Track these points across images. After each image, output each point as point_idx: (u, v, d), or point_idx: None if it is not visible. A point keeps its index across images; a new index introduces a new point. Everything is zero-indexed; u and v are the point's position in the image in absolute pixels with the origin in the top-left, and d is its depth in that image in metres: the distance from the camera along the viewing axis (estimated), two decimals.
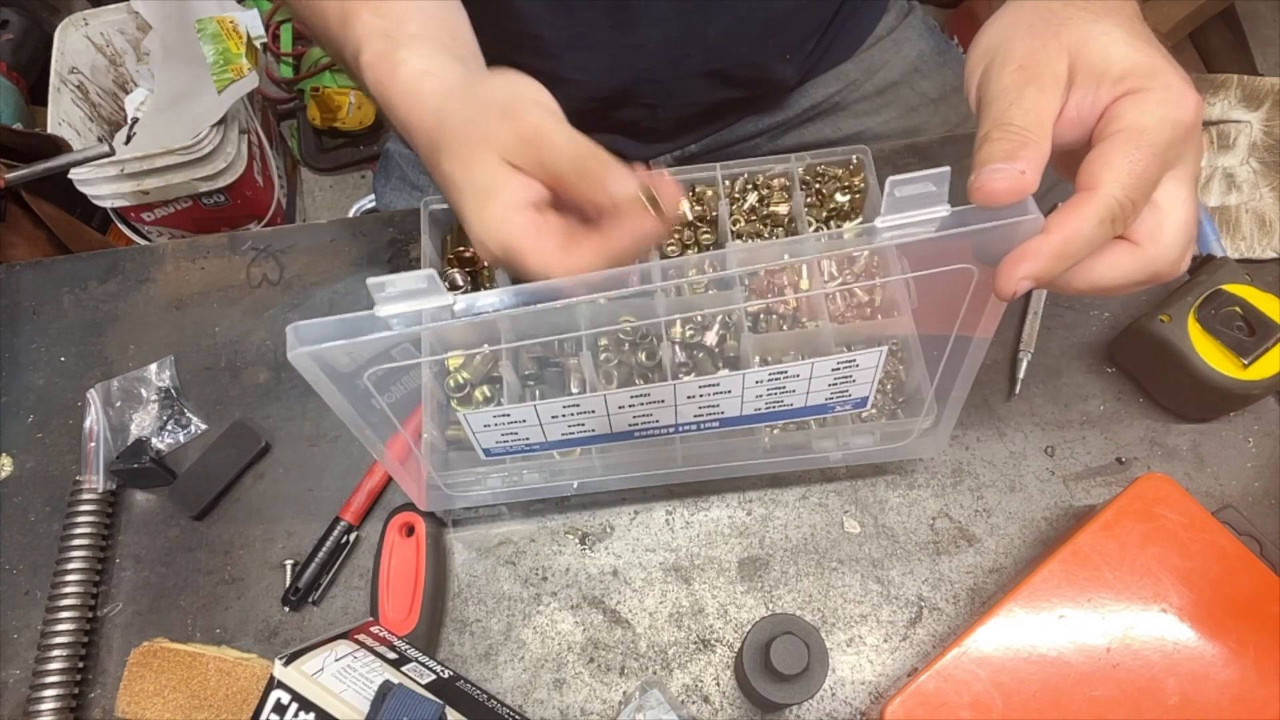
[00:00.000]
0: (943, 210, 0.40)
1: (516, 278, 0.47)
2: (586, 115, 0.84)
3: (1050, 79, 0.42)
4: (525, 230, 0.45)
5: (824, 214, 0.73)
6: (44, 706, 0.62)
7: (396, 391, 0.67)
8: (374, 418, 0.52)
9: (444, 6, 0.57)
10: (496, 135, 0.47)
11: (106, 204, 1.50)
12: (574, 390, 0.68)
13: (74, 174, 1.39)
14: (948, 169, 0.39)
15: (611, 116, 0.85)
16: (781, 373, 0.54)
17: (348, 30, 0.55)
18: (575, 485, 0.65)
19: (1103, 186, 0.40)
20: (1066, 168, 0.44)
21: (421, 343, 0.55)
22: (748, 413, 0.57)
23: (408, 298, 0.42)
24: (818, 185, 0.73)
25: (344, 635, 0.56)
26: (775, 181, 0.73)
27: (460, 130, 0.49)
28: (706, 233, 0.72)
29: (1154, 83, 0.41)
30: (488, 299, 0.44)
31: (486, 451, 0.58)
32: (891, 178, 0.40)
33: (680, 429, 0.58)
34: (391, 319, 0.43)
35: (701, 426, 0.58)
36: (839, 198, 0.72)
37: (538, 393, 0.66)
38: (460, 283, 0.71)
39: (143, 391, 0.73)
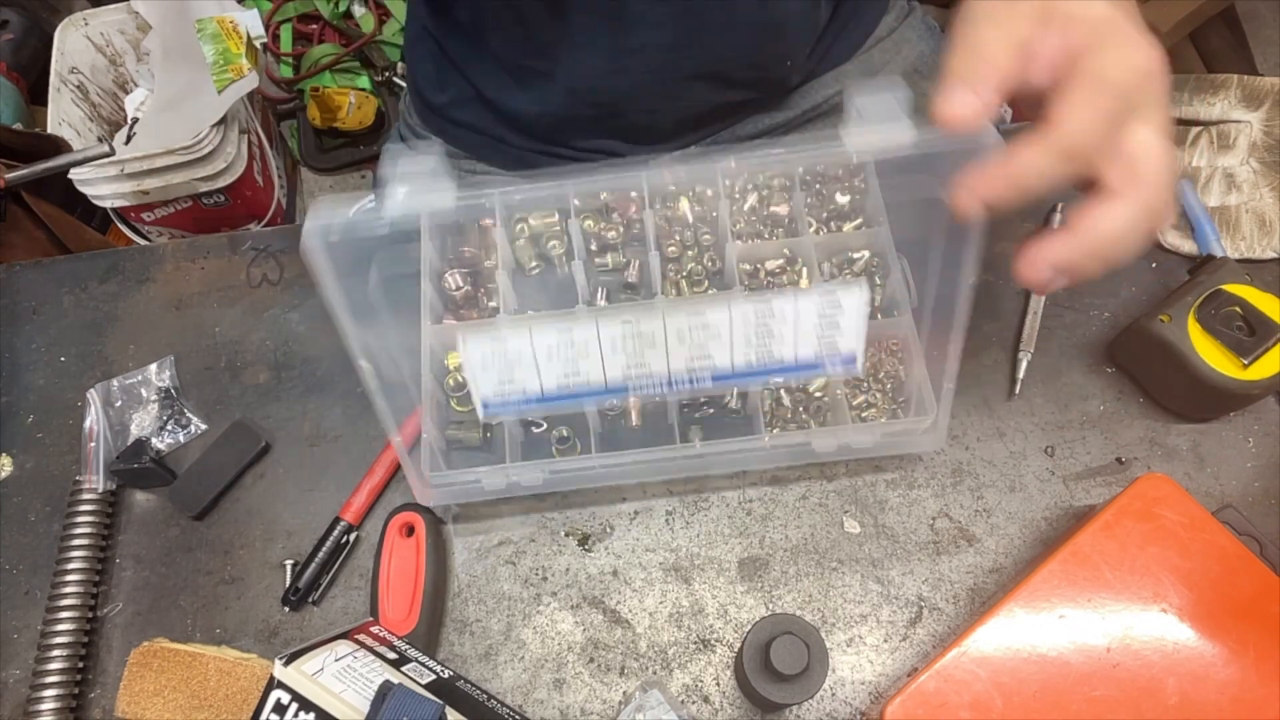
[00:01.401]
0: (907, 133, 0.44)
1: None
2: (587, 119, 0.84)
3: (1019, 23, 0.44)
4: None
5: (824, 214, 0.73)
6: (44, 706, 0.62)
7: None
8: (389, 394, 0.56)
9: None
10: None
11: (106, 204, 1.50)
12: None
13: (74, 174, 1.39)
14: (906, 90, 0.43)
15: (612, 120, 0.85)
16: (767, 309, 0.55)
17: None
18: (581, 474, 0.65)
19: (1060, 122, 0.41)
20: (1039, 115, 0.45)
21: (422, 228, 0.63)
22: (738, 364, 0.57)
23: (413, 179, 0.47)
24: (818, 185, 0.73)
25: (344, 635, 0.56)
26: (775, 181, 0.73)
27: None
28: (706, 233, 0.72)
29: (1117, 33, 0.43)
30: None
31: (485, 404, 0.57)
32: (852, 96, 0.43)
33: (674, 383, 0.57)
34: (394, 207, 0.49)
35: (694, 381, 0.57)
36: (839, 198, 0.72)
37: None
38: (460, 283, 0.71)
39: (143, 391, 0.73)
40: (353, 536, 0.67)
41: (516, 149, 0.90)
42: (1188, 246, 0.72)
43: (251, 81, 1.47)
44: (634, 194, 0.73)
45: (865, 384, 0.68)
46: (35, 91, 1.58)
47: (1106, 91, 0.41)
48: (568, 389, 0.57)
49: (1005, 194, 0.41)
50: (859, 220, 0.72)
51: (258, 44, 1.53)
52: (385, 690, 0.49)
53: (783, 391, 0.67)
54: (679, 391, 0.58)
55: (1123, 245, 0.43)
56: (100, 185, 1.45)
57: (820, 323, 0.55)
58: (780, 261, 0.70)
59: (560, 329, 0.55)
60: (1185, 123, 0.76)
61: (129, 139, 1.59)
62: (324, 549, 0.66)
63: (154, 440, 0.71)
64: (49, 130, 1.46)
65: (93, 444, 0.70)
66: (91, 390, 0.72)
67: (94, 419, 0.70)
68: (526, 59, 0.81)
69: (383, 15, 1.87)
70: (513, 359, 0.55)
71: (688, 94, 0.83)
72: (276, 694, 0.49)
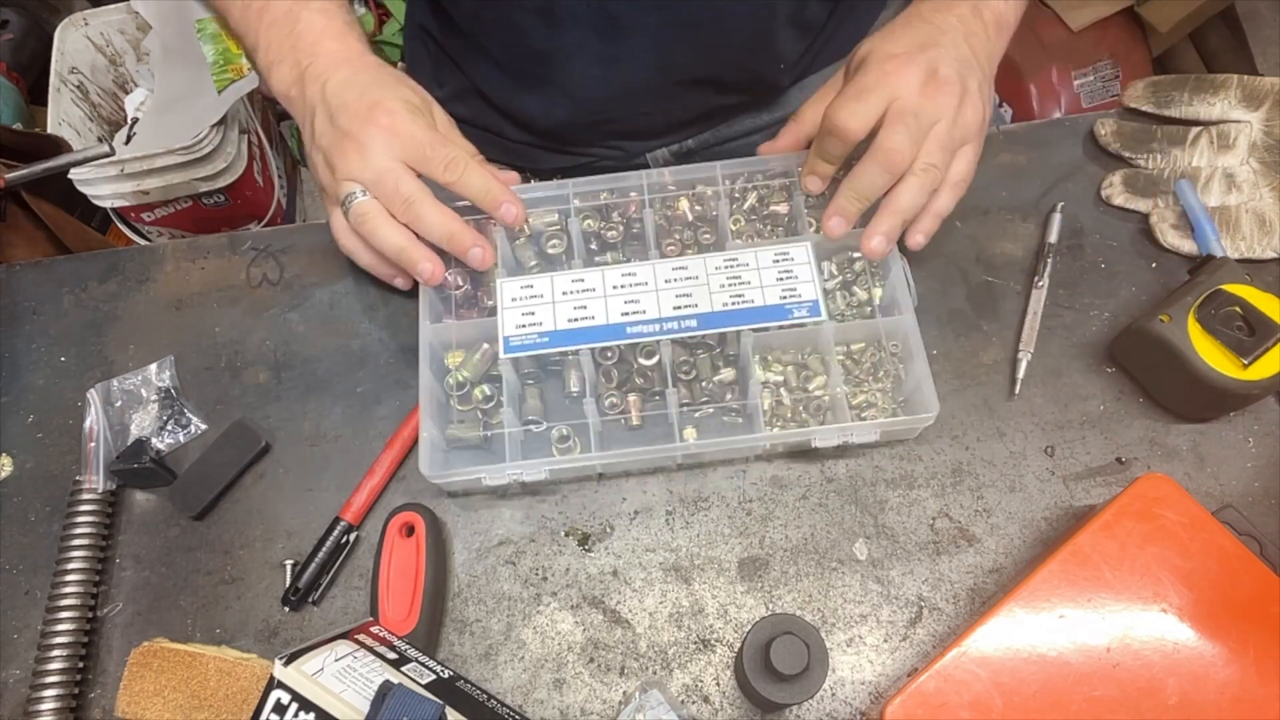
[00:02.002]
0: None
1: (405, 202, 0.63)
2: (583, 124, 0.84)
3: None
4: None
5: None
6: (44, 706, 0.62)
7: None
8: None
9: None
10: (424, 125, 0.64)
11: (106, 204, 1.50)
12: (574, 388, 0.68)
13: (74, 174, 1.39)
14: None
15: (607, 124, 0.85)
16: (734, 259, 0.69)
17: None
18: (591, 466, 0.66)
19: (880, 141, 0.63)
20: None
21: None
22: (717, 308, 0.67)
23: None
24: None
25: (344, 635, 0.56)
26: (775, 181, 0.73)
27: (387, 81, 0.65)
28: (706, 233, 0.72)
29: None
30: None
31: (506, 343, 0.66)
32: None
33: (664, 326, 0.67)
34: None
35: (681, 325, 0.67)
36: None
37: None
38: (460, 282, 0.71)
39: (143, 391, 0.73)
40: (353, 536, 0.67)
41: (515, 143, 0.91)
42: (1188, 246, 0.72)
43: (251, 81, 1.47)
44: (634, 193, 0.73)
45: (865, 383, 0.68)
46: (35, 91, 1.58)
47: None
48: (576, 327, 0.67)
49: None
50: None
51: None
52: (385, 690, 0.49)
53: (782, 390, 0.67)
54: (669, 333, 0.67)
55: (914, 206, 0.64)
56: (100, 185, 1.44)
57: (778, 273, 0.68)
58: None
59: (574, 277, 0.69)
60: (1185, 123, 0.76)
61: (129, 139, 1.58)
62: (324, 549, 0.66)
63: (154, 440, 0.71)
64: (49, 130, 1.45)
65: (93, 444, 0.70)
66: (91, 390, 0.72)
67: (94, 419, 0.70)
68: (522, 65, 0.81)
69: (383, 15, 1.87)
70: (536, 295, 0.68)
71: (682, 98, 0.84)
72: (276, 694, 0.49)
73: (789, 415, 0.67)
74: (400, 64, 1.87)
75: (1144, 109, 0.77)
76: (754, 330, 0.66)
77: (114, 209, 1.53)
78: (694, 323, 0.67)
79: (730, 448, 0.66)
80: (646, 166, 0.92)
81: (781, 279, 0.68)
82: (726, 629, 0.64)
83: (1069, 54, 1.58)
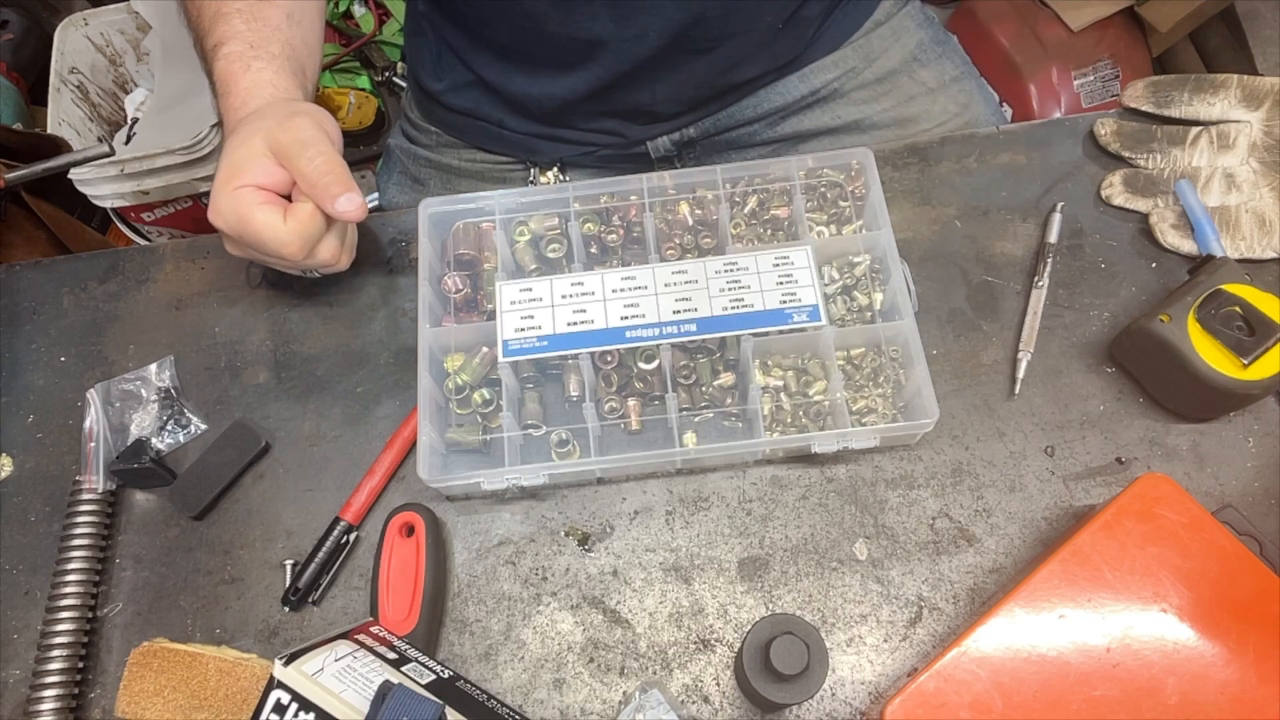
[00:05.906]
0: None
1: (250, 244, 0.64)
2: (587, 100, 0.84)
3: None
4: (253, 204, 0.62)
5: (825, 218, 0.73)
6: (44, 706, 0.62)
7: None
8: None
9: (304, 43, 0.74)
10: (273, 131, 0.63)
11: (106, 204, 1.50)
12: (573, 392, 0.68)
13: (74, 174, 1.39)
14: None
15: (612, 101, 0.85)
16: (734, 263, 0.69)
17: (216, 23, 0.70)
18: (590, 471, 0.66)
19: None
20: None
21: (421, 230, 0.71)
22: (717, 312, 0.67)
23: None
24: (822, 190, 0.73)
25: (344, 635, 0.56)
26: (775, 185, 0.73)
27: (253, 120, 0.65)
28: (707, 237, 0.72)
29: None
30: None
31: (506, 346, 0.67)
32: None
33: (664, 330, 0.67)
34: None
35: (681, 329, 0.67)
36: (841, 203, 0.73)
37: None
38: (459, 286, 0.71)
39: (143, 391, 0.73)
40: (353, 536, 0.67)
41: (516, 134, 0.91)
42: (1188, 246, 0.72)
43: None
44: (634, 197, 0.73)
45: (866, 388, 0.68)
46: (35, 91, 1.58)
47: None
48: (575, 331, 0.67)
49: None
50: (859, 224, 0.72)
51: None
52: (385, 690, 0.49)
53: (783, 395, 0.67)
54: (669, 337, 0.67)
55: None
56: (100, 185, 1.44)
57: (779, 277, 0.68)
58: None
59: (573, 281, 0.69)
60: (1185, 123, 0.76)
61: (129, 139, 1.58)
62: (324, 549, 0.66)
63: (154, 440, 0.71)
64: (49, 130, 1.45)
65: (93, 444, 0.70)
66: (91, 390, 0.72)
67: (94, 419, 0.70)
68: (528, 47, 0.81)
69: (383, 15, 1.87)
70: (535, 298, 0.68)
71: (688, 78, 0.84)
72: (276, 694, 0.49)
73: (789, 420, 0.67)
74: (400, 63, 1.88)
75: (1144, 109, 0.77)
76: (754, 335, 0.66)
77: (114, 209, 1.53)
78: (694, 327, 0.67)
79: (730, 453, 0.66)
80: (647, 155, 0.92)
81: (782, 283, 0.68)
82: (726, 629, 0.64)
83: (1069, 54, 1.58)
